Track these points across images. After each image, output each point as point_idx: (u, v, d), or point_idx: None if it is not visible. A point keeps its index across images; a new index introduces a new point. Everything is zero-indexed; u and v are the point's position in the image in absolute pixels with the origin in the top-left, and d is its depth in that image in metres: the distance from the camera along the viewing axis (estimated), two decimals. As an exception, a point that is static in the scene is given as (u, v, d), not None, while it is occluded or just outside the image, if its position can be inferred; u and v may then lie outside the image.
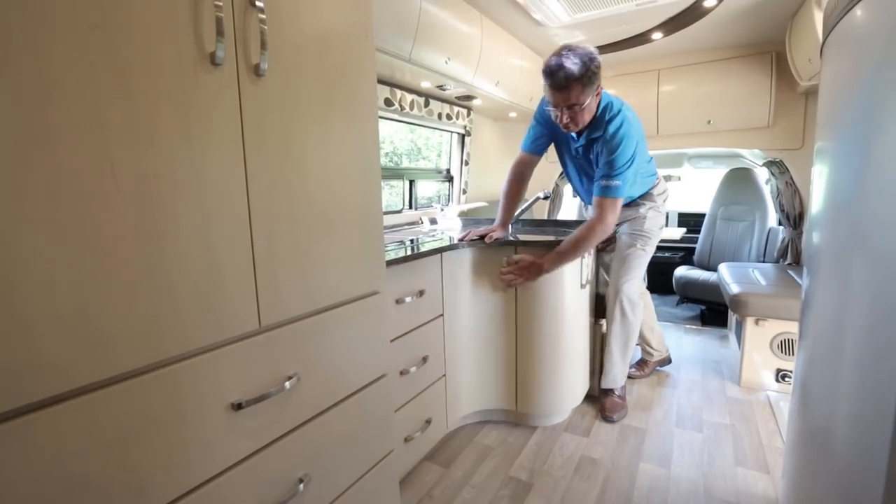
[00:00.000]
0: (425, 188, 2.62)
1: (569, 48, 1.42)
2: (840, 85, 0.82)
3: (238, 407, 0.76)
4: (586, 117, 1.51)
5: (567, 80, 1.39)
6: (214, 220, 0.71)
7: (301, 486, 0.88)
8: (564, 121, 1.50)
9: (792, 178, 2.51)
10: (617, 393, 1.83)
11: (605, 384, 1.82)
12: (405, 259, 1.29)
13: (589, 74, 1.40)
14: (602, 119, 1.54)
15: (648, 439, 1.63)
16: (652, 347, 2.14)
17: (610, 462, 1.52)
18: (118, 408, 0.61)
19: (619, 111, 1.54)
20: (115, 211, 0.59)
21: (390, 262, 1.22)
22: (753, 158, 3.01)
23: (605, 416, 1.76)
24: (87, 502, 0.58)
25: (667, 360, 2.23)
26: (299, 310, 0.88)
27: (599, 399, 1.84)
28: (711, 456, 1.53)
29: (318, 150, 0.89)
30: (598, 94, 1.50)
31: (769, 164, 2.71)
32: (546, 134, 1.75)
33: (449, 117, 2.41)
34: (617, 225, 1.78)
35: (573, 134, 1.64)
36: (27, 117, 0.51)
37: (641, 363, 2.18)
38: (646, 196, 1.83)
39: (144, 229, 0.62)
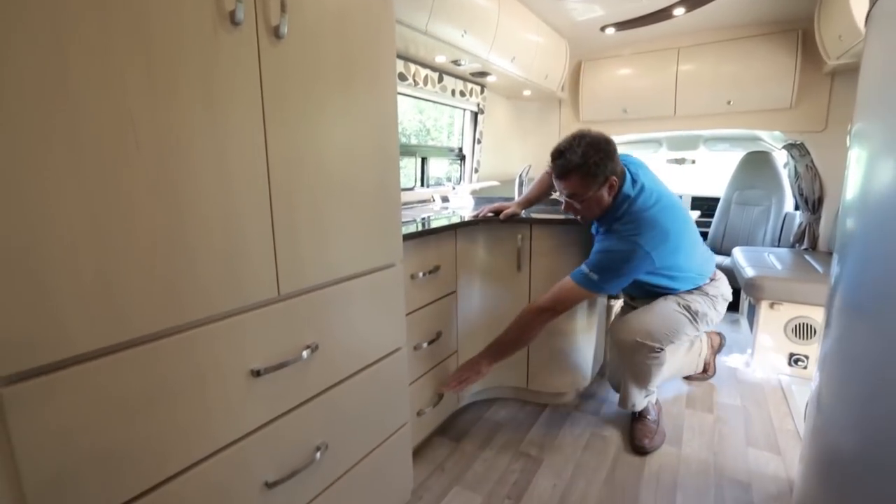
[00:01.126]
0: (436, 169, 2.60)
1: (581, 135, 1.30)
2: (890, 60, 0.78)
3: (257, 374, 0.76)
4: (594, 210, 1.36)
5: (564, 169, 1.30)
6: (234, 185, 0.70)
7: (318, 454, 0.89)
8: (568, 210, 1.39)
9: (812, 162, 2.45)
10: (649, 417, 1.54)
11: (623, 406, 1.56)
12: (420, 234, 1.28)
13: (590, 166, 1.27)
14: (615, 215, 1.36)
15: (659, 419, 1.63)
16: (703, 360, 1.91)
17: (620, 440, 1.52)
18: (139, 371, 0.61)
19: (644, 211, 1.32)
20: (135, 169, 0.58)
21: (406, 237, 1.21)
22: (772, 141, 2.93)
23: (635, 446, 1.46)
24: (110, 466, 0.59)
25: (720, 345, 2.02)
26: (318, 279, 0.87)
27: (630, 425, 1.56)
28: (722, 437, 1.53)
29: (337, 120, 0.87)
30: (611, 187, 1.33)
31: (789, 147, 2.64)
32: None
33: (462, 94, 2.37)
34: None
35: None
36: (45, 64, 0.50)
37: (703, 370, 1.92)
38: (692, 290, 1.51)
39: (164, 190, 0.62)
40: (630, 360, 1.44)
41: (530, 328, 1.40)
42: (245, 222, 0.73)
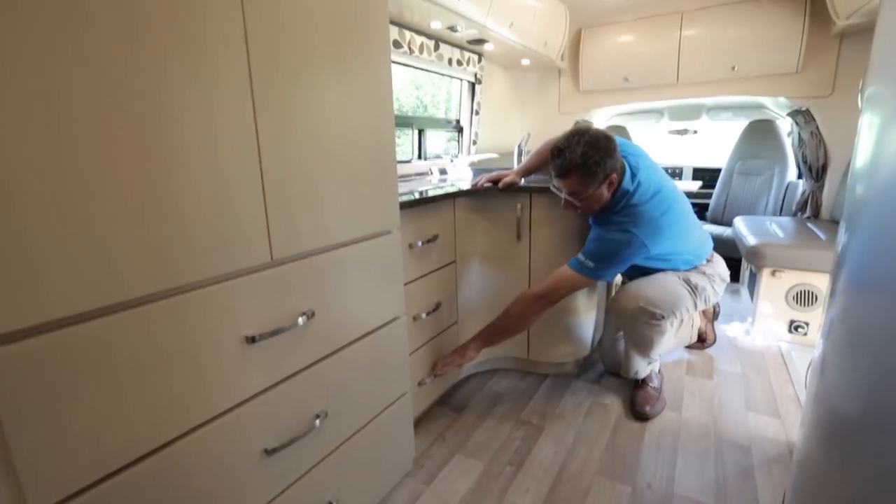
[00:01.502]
0: (434, 144, 2.54)
1: (580, 132, 1.28)
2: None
3: (252, 340, 0.75)
4: (594, 206, 1.36)
5: (564, 168, 1.28)
6: (221, 146, 0.67)
7: (317, 421, 0.89)
8: (568, 207, 1.38)
9: (818, 128, 2.40)
10: (651, 385, 1.54)
11: (626, 374, 1.55)
12: (418, 202, 1.25)
13: (590, 165, 1.25)
14: (614, 209, 1.36)
15: (661, 387, 1.63)
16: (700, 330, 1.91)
17: (621, 407, 1.53)
18: (129, 335, 0.59)
19: (642, 204, 1.33)
20: (118, 129, 0.55)
21: (403, 205, 1.18)
22: (777, 109, 2.87)
23: (636, 412, 1.46)
24: (102, 432, 0.58)
25: (715, 314, 2.01)
26: (312, 245, 0.85)
27: (632, 391, 1.56)
28: (723, 402, 1.54)
29: (328, 83, 0.84)
30: (610, 184, 1.32)
31: (794, 114, 2.58)
32: None
33: (459, 63, 2.30)
34: None
35: None
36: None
37: (700, 339, 1.91)
38: (689, 269, 1.51)
39: (148, 151, 0.59)
40: (631, 327, 1.44)
41: (524, 317, 1.40)
42: (234, 185, 0.70)
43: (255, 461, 0.78)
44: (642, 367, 1.52)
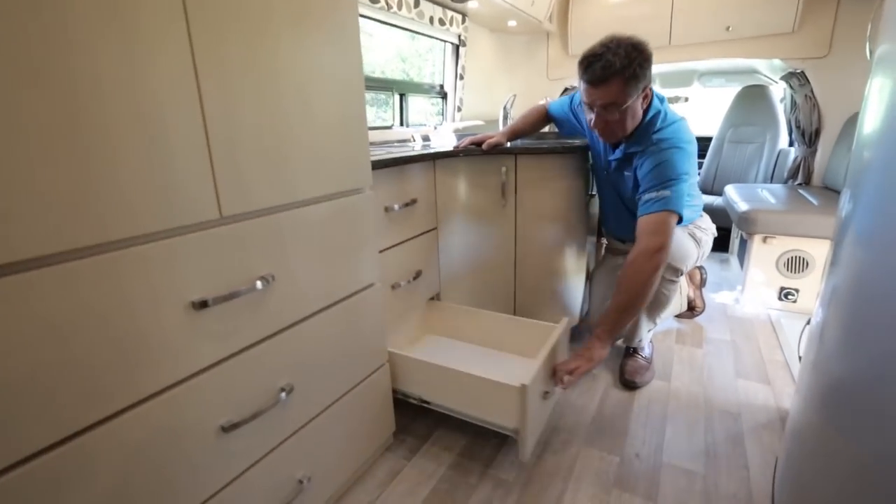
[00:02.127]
0: (417, 113, 2.42)
1: (618, 37, 1.14)
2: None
3: (202, 305, 0.67)
4: (628, 124, 1.22)
5: (605, 72, 1.12)
6: (151, 88, 0.58)
7: (283, 395, 0.82)
8: (599, 126, 1.23)
9: (812, 91, 2.33)
10: (642, 354, 1.50)
11: (629, 342, 1.49)
12: (394, 163, 1.16)
13: (634, 69, 1.12)
14: (648, 130, 1.24)
15: (652, 356, 1.59)
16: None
17: (610, 376, 1.49)
18: (49, 295, 0.51)
19: (674, 123, 1.25)
20: (23, 52, 0.46)
21: (378, 165, 1.09)
22: (770, 73, 2.79)
23: (625, 380, 1.42)
24: (30, 403, 0.50)
25: (702, 280, 1.95)
26: (269, 201, 0.76)
27: (621, 360, 1.51)
28: (712, 370, 1.51)
29: (286, 30, 0.74)
30: (645, 97, 1.21)
31: (788, 77, 2.51)
32: (572, 123, 1.52)
33: (442, 22, 2.17)
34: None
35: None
36: None
37: (690, 308, 1.87)
38: (688, 225, 1.44)
39: (62, 80, 0.49)
40: None
41: (649, 281, 1.17)
42: (171, 134, 0.61)
43: (210, 439, 0.71)
44: (645, 334, 1.48)
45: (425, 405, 1.16)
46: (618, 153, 1.33)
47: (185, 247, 0.65)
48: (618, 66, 1.11)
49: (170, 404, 0.65)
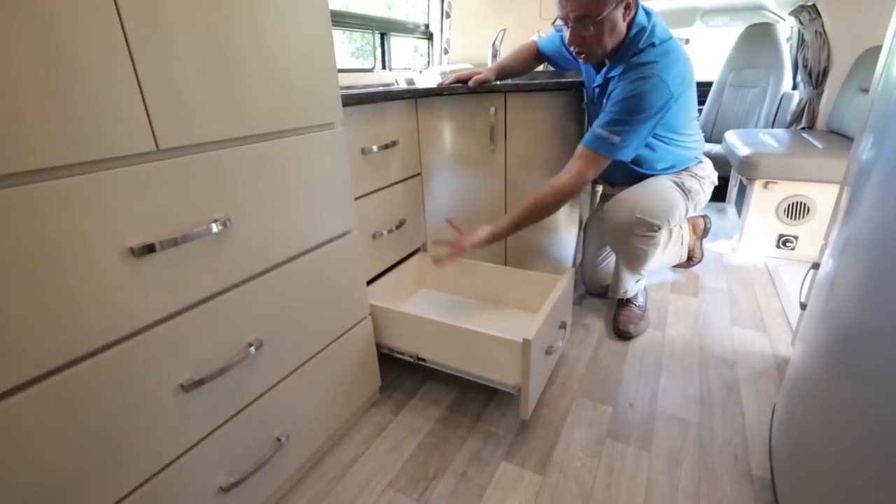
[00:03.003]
0: (402, 57, 2.25)
1: None
2: None
3: (148, 250, 0.58)
4: (606, 40, 1.09)
5: None
6: (42, -36, 0.46)
7: (252, 349, 0.75)
8: (575, 43, 1.11)
9: (823, 27, 2.18)
10: (636, 304, 1.45)
11: (615, 294, 1.45)
12: (370, 98, 1.05)
13: None
14: (630, 48, 1.11)
15: (646, 306, 1.55)
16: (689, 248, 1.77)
17: (603, 328, 1.44)
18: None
19: (663, 43, 1.11)
20: None
21: (351, 100, 0.98)
22: (778, 8, 2.61)
23: (619, 331, 1.38)
24: None
25: (705, 229, 1.84)
26: (218, 134, 0.66)
27: (615, 310, 1.46)
28: (707, 318, 1.47)
29: None
30: (626, 9, 1.08)
31: (797, 12, 2.34)
32: (564, 55, 1.37)
33: (425, -50, 1.97)
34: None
35: (594, 65, 1.22)
36: None
37: (688, 258, 1.78)
38: (681, 172, 1.35)
39: None
40: (625, 241, 1.30)
41: (545, 207, 1.14)
42: (82, 49, 0.49)
43: (167, 399, 0.64)
44: (631, 285, 1.42)
45: (421, 363, 1.11)
46: (598, 78, 1.21)
47: (116, 182, 0.55)
48: None
49: (112, 363, 0.57)
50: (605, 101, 1.19)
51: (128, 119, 0.55)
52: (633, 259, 1.34)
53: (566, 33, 1.13)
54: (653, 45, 1.10)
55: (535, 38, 1.72)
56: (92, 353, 0.56)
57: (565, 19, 1.09)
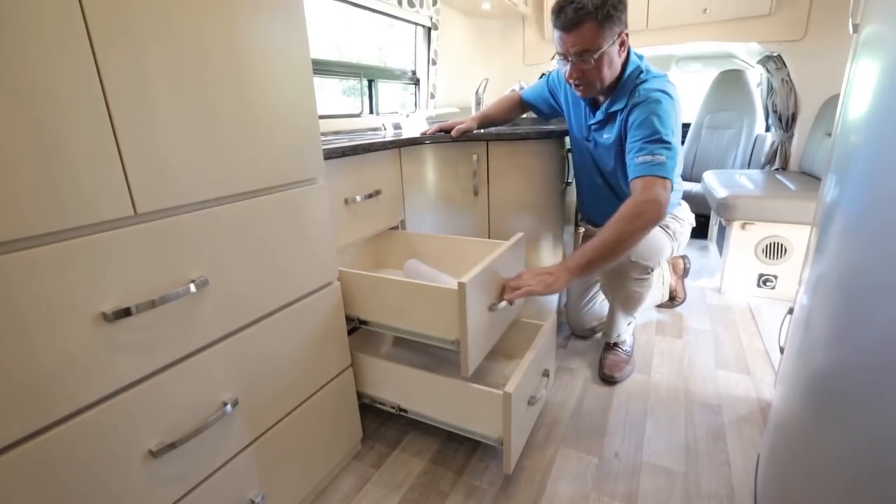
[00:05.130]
0: (392, 101, 2.32)
1: None
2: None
3: (124, 314, 0.58)
4: (605, 74, 1.14)
5: (577, 14, 1.06)
6: (22, 51, 0.48)
7: (227, 407, 0.74)
8: (574, 76, 1.16)
9: (789, 75, 2.31)
10: (623, 348, 1.45)
11: (607, 338, 1.45)
12: (352, 151, 1.07)
13: (607, 9, 1.06)
14: (629, 84, 1.17)
15: (633, 350, 1.55)
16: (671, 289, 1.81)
17: (589, 371, 1.44)
18: None
19: (663, 77, 1.18)
20: None
21: (335, 154, 1.01)
22: (747, 57, 2.76)
23: (605, 375, 1.37)
24: None
25: (685, 269, 1.89)
26: (198, 195, 0.67)
27: (601, 354, 1.46)
28: (692, 361, 1.47)
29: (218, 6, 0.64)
30: (622, 46, 1.14)
31: (765, 61, 2.48)
32: (550, 103, 1.45)
33: (412, 4, 2.07)
34: None
35: (587, 105, 1.29)
36: None
37: (671, 298, 1.83)
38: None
39: None
40: (621, 285, 1.32)
41: (634, 237, 1.05)
42: (59, 113, 0.51)
43: (135, 467, 0.62)
44: (624, 328, 1.43)
45: (402, 413, 1.09)
46: (599, 115, 1.26)
47: (90, 248, 0.55)
48: (590, 7, 1.06)
49: (77, 432, 0.56)
50: (607, 136, 1.25)
51: (106, 186, 0.56)
52: (629, 302, 1.35)
53: (564, 69, 1.18)
54: (653, 77, 1.18)
55: (516, 87, 1.79)
56: (56, 422, 0.54)
57: (565, 54, 1.14)
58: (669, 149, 1.09)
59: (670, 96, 1.14)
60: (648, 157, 1.09)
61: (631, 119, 1.16)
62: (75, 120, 0.52)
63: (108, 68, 0.55)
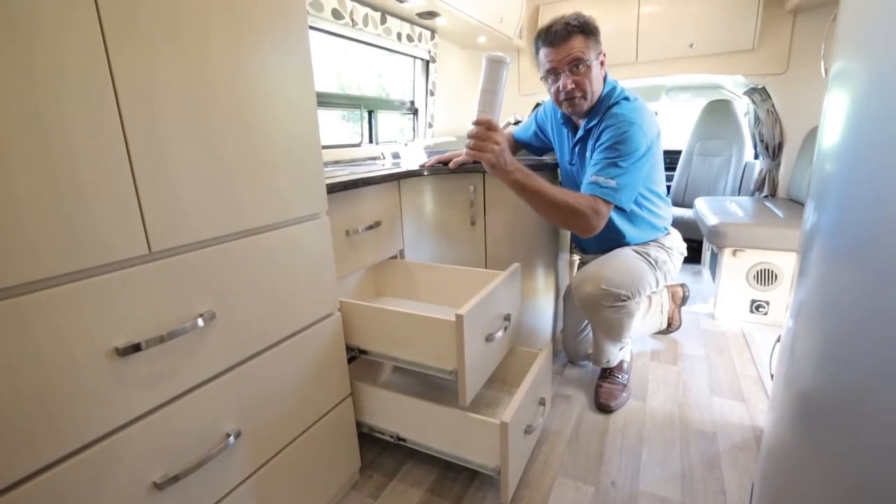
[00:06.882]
0: (391, 130, 2.39)
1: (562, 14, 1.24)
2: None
3: (134, 349, 0.60)
4: (595, 86, 1.24)
5: (566, 28, 1.19)
6: (51, 99, 0.52)
7: (231, 439, 0.75)
8: (569, 86, 1.23)
9: (774, 106, 2.40)
10: (618, 376, 1.46)
11: (598, 363, 1.48)
12: (354, 184, 1.11)
13: (591, 26, 1.21)
14: (605, 103, 1.26)
15: (629, 378, 1.57)
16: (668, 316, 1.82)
17: (585, 399, 1.45)
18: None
19: (631, 99, 1.27)
20: None
21: (336, 188, 1.05)
22: (734, 88, 2.87)
23: (600, 404, 1.39)
24: None
25: (684, 297, 1.89)
26: (208, 233, 0.70)
27: (597, 382, 1.47)
28: (687, 388, 1.49)
29: (227, 45, 0.69)
30: (602, 64, 1.26)
31: (750, 93, 2.57)
32: (540, 137, 1.55)
33: (410, 38, 2.15)
34: None
35: (569, 131, 1.38)
36: None
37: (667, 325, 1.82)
38: (647, 243, 1.43)
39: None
40: (596, 313, 1.34)
41: (570, 214, 1.16)
42: (81, 158, 0.55)
43: (140, 499, 0.64)
44: (614, 354, 1.44)
45: (401, 442, 1.09)
46: (579, 133, 1.34)
47: (105, 288, 0.58)
48: (576, 23, 1.19)
49: (84, 466, 0.57)
50: (587, 155, 1.30)
51: (123, 227, 0.59)
52: (609, 329, 1.37)
53: (555, 87, 1.26)
54: (626, 99, 1.27)
55: (511, 120, 1.86)
56: (65, 457, 0.56)
57: (557, 68, 1.23)
58: (623, 175, 1.18)
59: (639, 126, 1.20)
60: (601, 179, 1.18)
61: (601, 138, 1.24)
62: (101, 167, 0.56)
63: (130, 118, 0.59)
